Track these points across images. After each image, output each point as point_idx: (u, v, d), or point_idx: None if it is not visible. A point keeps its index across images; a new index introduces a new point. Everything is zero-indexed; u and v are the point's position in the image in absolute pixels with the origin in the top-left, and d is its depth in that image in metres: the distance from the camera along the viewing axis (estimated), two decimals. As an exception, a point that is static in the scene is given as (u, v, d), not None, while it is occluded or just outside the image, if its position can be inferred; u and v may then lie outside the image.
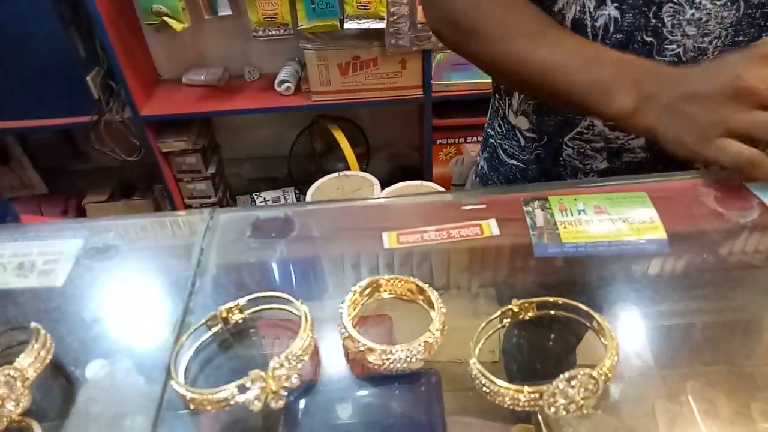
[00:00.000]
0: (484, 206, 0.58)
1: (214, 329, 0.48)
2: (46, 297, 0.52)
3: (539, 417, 0.45)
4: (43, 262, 0.54)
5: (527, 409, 0.42)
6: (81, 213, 2.08)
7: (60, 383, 0.46)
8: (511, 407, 0.42)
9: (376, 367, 0.45)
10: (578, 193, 0.58)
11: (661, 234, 0.54)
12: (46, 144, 2.10)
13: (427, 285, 0.49)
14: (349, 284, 0.50)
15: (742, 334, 0.51)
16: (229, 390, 0.41)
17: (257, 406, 0.41)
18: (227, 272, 0.55)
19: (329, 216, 0.62)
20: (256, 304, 0.49)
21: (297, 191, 2.23)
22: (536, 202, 0.58)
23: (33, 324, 0.45)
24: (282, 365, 0.42)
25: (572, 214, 0.56)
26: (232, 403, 0.42)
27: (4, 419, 0.39)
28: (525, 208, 0.58)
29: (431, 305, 0.48)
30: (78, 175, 2.20)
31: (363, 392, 0.48)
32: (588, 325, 0.46)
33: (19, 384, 0.40)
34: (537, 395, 0.41)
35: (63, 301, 0.52)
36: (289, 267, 0.57)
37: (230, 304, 0.48)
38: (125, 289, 0.54)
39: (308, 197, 1.75)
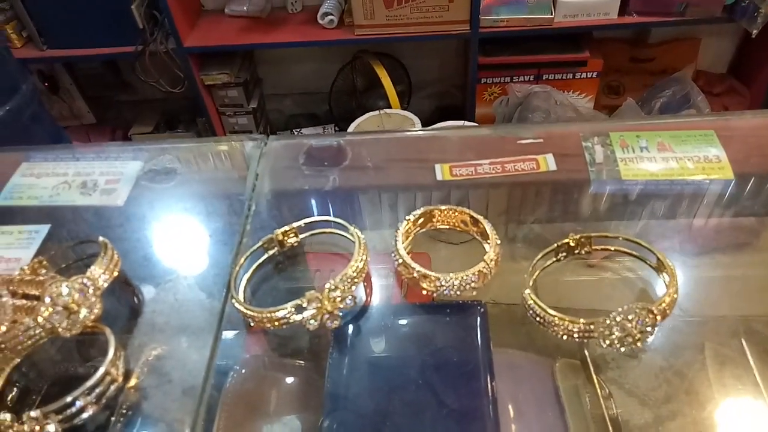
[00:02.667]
0: (541, 141, 0.57)
1: (271, 252, 0.49)
2: (108, 215, 0.54)
3: (586, 353, 0.45)
4: (105, 182, 0.56)
5: (580, 339, 0.42)
6: (127, 144, 2.12)
7: (127, 295, 0.48)
8: (564, 337, 0.42)
9: (428, 293, 0.46)
10: (641, 130, 0.56)
11: (727, 174, 0.52)
12: (93, 74, 2.12)
13: (482, 216, 0.48)
14: (402, 214, 0.50)
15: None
16: (286, 309, 0.43)
17: (313, 325, 0.43)
18: (281, 198, 0.56)
19: (381, 147, 0.62)
20: (311, 228, 0.50)
21: (337, 128, 2.21)
22: (596, 138, 0.56)
23: (101, 238, 0.46)
24: (337, 287, 0.43)
25: (634, 151, 0.54)
26: (290, 321, 0.43)
27: (79, 325, 0.41)
28: (584, 144, 0.56)
29: (486, 237, 0.48)
30: (124, 106, 2.23)
31: (412, 319, 0.49)
32: (647, 262, 0.46)
33: (91, 292, 0.42)
34: (591, 327, 0.41)
35: (125, 220, 0.54)
36: (341, 195, 0.57)
37: (286, 228, 0.49)
38: (184, 210, 0.55)
39: (349, 134, 1.73)
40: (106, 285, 0.44)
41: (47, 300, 0.40)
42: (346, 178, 0.58)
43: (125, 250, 0.49)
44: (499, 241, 0.47)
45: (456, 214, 0.50)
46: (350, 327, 0.47)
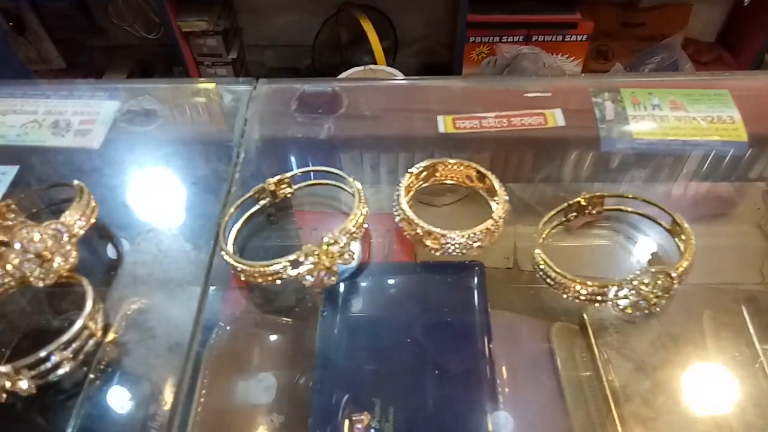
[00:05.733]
0: (550, 94, 0.54)
1: (262, 202, 0.46)
2: (83, 158, 0.50)
3: (585, 317, 0.44)
4: (79, 122, 0.51)
5: (588, 302, 0.40)
6: (98, 92, 2.02)
7: (106, 244, 0.44)
8: (571, 299, 0.40)
9: (432, 251, 0.43)
10: (654, 87, 0.53)
11: (741, 136, 0.50)
12: (62, 15, 1.99)
13: (489, 172, 0.46)
14: (401, 168, 0.47)
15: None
16: (281, 264, 0.40)
17: (309, 281, 0.40)
18: (272, 145, 0.52)
19: (380, 95, 0.58)
20: (306, 179, 0.47)
21: (319, 84, 2.15)
22: (606, 94, 0.53)
23: (76, 182, 0.42)
24: (336, 241, 0.40)
25: (645, 109, 0.52)
26: (283, 277, 0.40)
27: (53, 274, 0.38)
28: (594, 99, 0.53)
29: (493, 193, 0.45)
30: (96, 51, 2.11)
31: (408, 278, 0.46)
32: (662, 224, 0.44)
33: (66, 239, 0.38)
34: (605, 289, 0.39)
35: (102, 163, 0.49)
36: (337, 145, 0.54)
37: (279, 177, 0.45)
38: (166, 155, 0.51)
39: (333, 89, 1.67)
40: (82, 232, 0.40)
41: (17, 246, 0.36)
42: (342, 127, 0.54)
43: (102, 197, 0.45)
44: (507, 198, 0.44)
45: (462, 168, 0.47)
46: (342, 285, 0.44)
